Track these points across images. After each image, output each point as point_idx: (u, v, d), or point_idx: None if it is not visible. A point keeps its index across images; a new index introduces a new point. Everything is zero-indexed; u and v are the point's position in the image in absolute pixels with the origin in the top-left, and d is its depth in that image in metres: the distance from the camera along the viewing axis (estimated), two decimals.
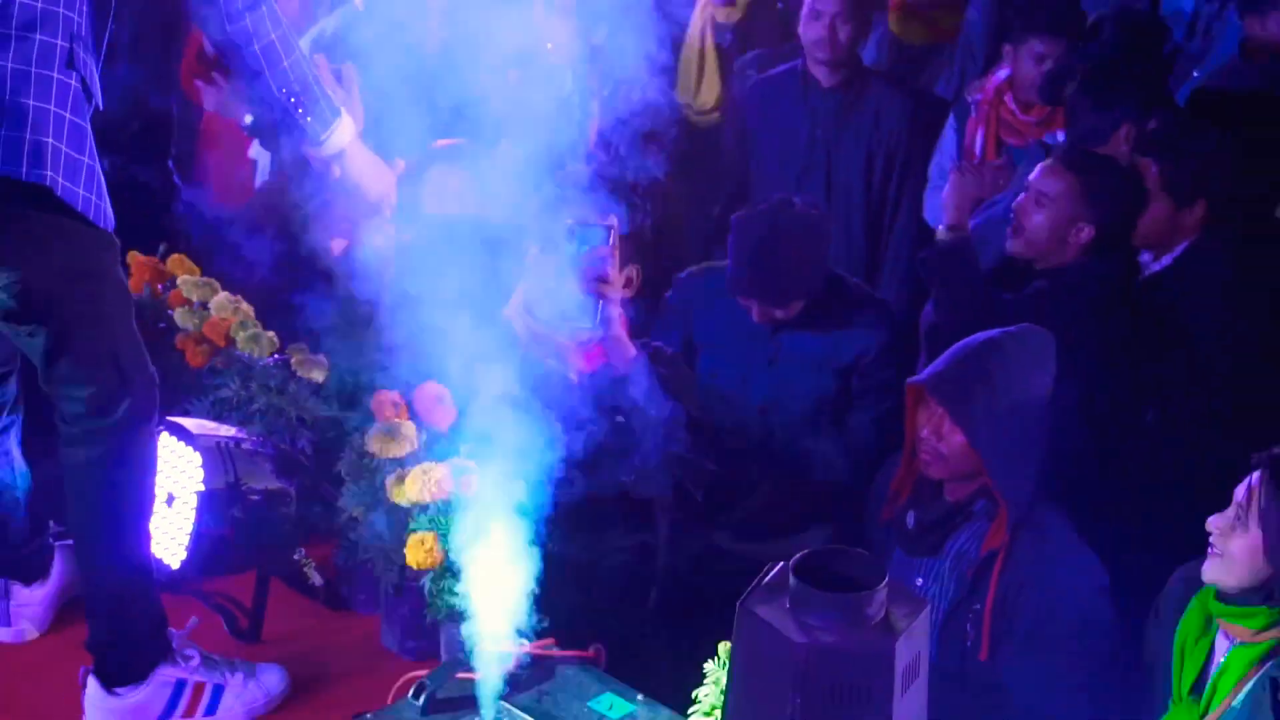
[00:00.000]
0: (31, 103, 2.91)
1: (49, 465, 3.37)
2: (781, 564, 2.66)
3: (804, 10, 5.53)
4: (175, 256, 4.45)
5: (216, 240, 5.16)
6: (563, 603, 3.24)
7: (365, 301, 3.75)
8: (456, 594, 3.34)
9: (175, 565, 3.74)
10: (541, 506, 3.23)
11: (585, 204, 3.77)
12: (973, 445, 3.46)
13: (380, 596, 3.70)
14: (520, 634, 3.19)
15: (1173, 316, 4.58)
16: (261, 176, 5.37)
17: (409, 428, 3.63)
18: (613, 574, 3.78)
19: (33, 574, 3.70)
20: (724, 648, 2.88)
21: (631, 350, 3.96)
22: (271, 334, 4.15)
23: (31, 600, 3.70)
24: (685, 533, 4.17)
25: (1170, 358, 4.54)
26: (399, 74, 3.93)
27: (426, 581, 3.48)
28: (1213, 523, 3.15)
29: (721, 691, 2.85)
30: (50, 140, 2.93)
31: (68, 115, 2.97)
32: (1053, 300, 4.48)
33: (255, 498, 3.71)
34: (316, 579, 3.84)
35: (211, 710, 3.36)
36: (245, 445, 3.77)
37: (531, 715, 3.12)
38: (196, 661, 3.37)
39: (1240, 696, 3.13)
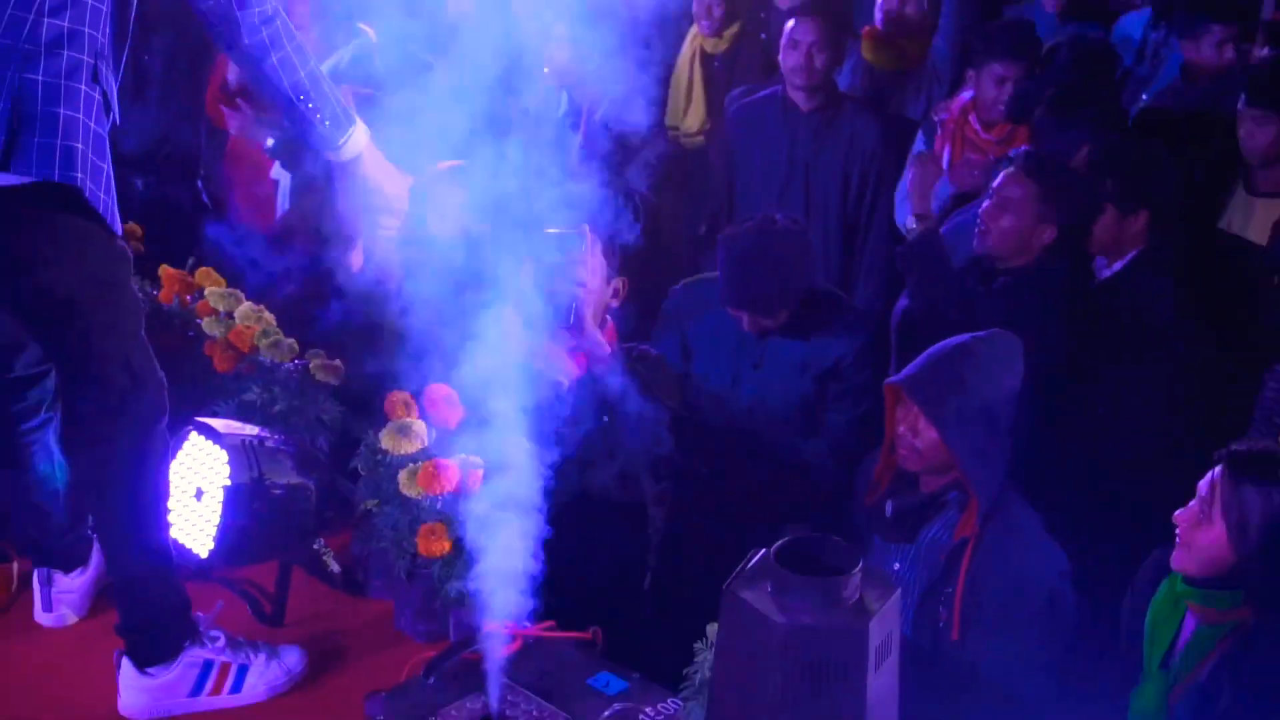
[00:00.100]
0: (62, 111, 2.91)
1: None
2: (764, 551, 2.66)
3: (783, 40, 5.52)
4: (203, 269, 4.44)
5: (242, 254, 5.16)
6: (562, 588, 3.22)
7: (377, 311, 3.73)
8: (464, 580, 3.33)
9: (204, 555, 3.72)
10: (541, 499, 3.22)
11: (577, 218, 3.76)
12: (945, 442, 3.45)
13: (393, 582, 3.68)
14: (523, 618, 3.17)
15: (1122, 318, 4.58)
16: (283, 195, 5.35)
17: (419, 426, 3.63)
18: (609, 562, 3.76)
19: (72, 562, 3.68)
20: (712, 629, 2.87)
21: (606, 348, 3.98)
22: (292, 341, 4.13)
23: (71, 587, 3.69)
24: (676, 523, 4.17)
25: (1119, 356, 4.54)
26: (408, 99, 3.93)
27: (436, 568, 3.47)
28: (1179, 517, 3.15)
29: (709, 669, 2.85)
30: (79, 145, 2.93)
31: (93, 125, 2.98)
32: (1017, 295, 4.49)
33: (278, 492, 3.69)
34: (335, 567, 3.81)
35: (237, 688, 3.36)
36: (268, 443, 3.76)
37: (534, 693, 3.10)
38: (222, 643, 3.36)
39: (1205, 671, 3.14)
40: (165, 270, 4.41)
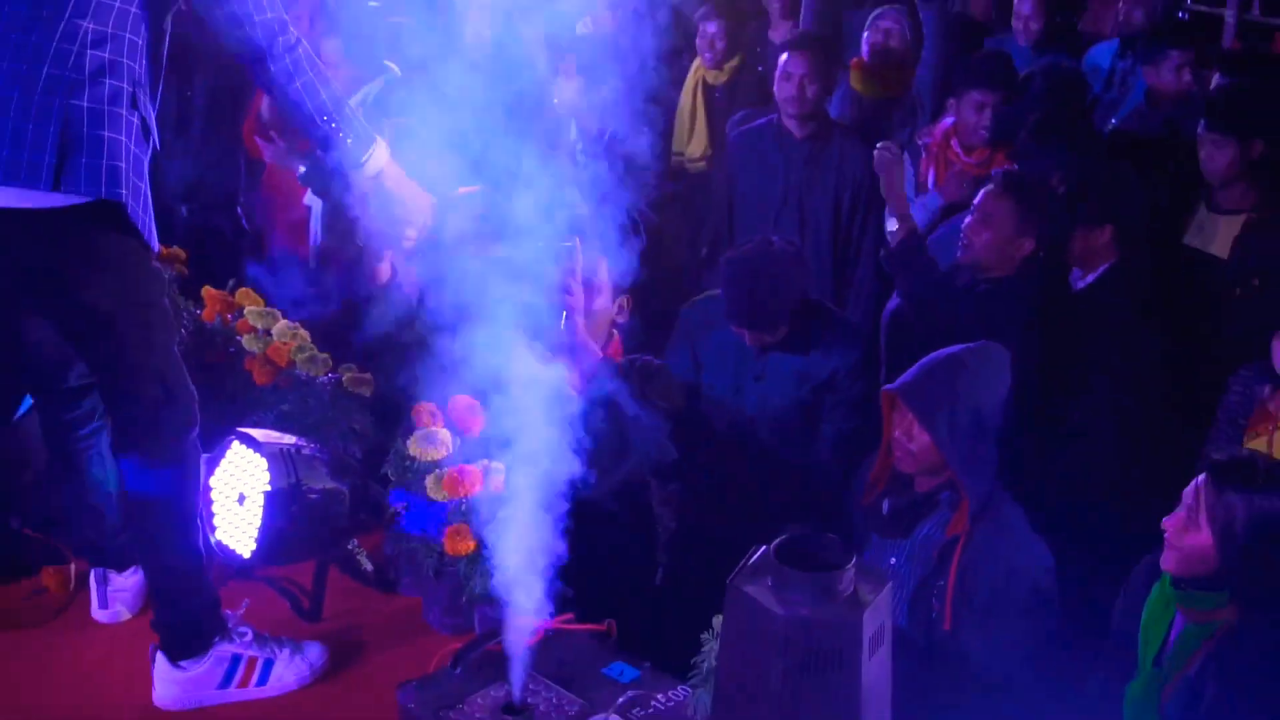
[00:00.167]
0: (106, 134, 2.93)
1: None
2: (764, 548, 2.67)
3: (777, 72, 5.53)
4: (243, 290, 4.45)
5: (279, 275, 5.18)
6: (579, 584, 3.23)
7: (404, 328, 3.75)
8: (487, 577, 3.34)
9: (246, 555, 3.72)
10: (558, 500, 3.23)
11: (586, 239, 3.77)
12: (937, 445, 3.46)
13: (422, 580, 3.69)
14: (543, 612, 3.18)
15: (1095, 326, 4.59)
16: (315, 221, 5.36)
17: (444, 434, 3.64)
18: (622, 559, 3.77)
19: (125, 562, 3.69)
20: (717, 621, 2.88)
21: (597, 354, 4.02)
22: (326, 356, 4.14)
23: (125, 585, 3.70)
24: (684, 522, 4.18)
25: (1092, 362, 4.55)
26: (431, 130, 3.95)
27: (462, 566, 3.48)
28: (1168, 523, 3.16)
29: (715, 658, 2.86)
30: (122, 165, 2.95)
31: (133, 148, 3.00)
32: (997, 303, 4.50)
33: (314, 496, 3.69)
34: (367, 565, 3.83)
35: (263, 681, 3.36)
36: (305, 451, 3.76)
37: (553, 681, 3.11)
38: (249, 638, 3.37)
39: (1193, 670, 3.15)
40: (208, 291, 4.41)
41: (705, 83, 6.89)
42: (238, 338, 4.28)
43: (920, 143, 5.73)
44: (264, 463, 3.68)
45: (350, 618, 3.74)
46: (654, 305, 5.19)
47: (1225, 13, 8.27)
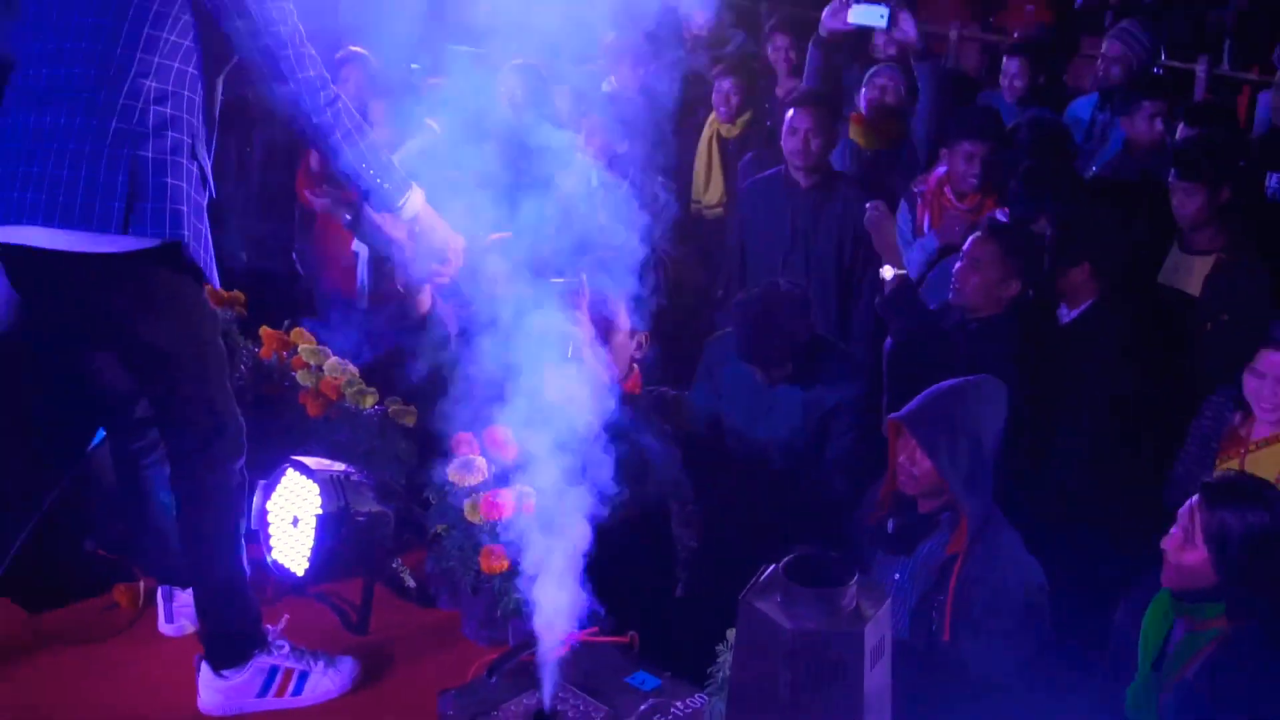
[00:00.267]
0: (169, 181, 2.95)
1: None
2: (774, 566, 2.66)
3: (784, 127, 5.54)
4: (297, 329, 4.46)
5: (330, 315, 5.19)
6: (604, 600, 3.22)
7: (444, 364, 3.75)
8: (519, 593, 3.34)
9: (300, 573, 3.75)
10: (585, 522, 3.23)
11: (609, 282, 3.77)
12: (938, 470, 3.45)
13: (460, 595, 3.69)
14: (571, 625, 3.17)
15: (1079, 357, 4.58)
16: (362, 266, 5.38)
17: (480, 462, 3.63)
18: (644, 576, 3.75)
19: (188, 580, 3.68)
20: (731, 634, 2.87)
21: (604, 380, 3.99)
22: (373, 389, 4.14)
23: (189, 601, 3.66)
24: (701, 541, 4.16)
25: (1078, 389, 4.54)
26: (466, 180, 3.97)
27: (496, 583, 3.48)
28: (1166, 544, 3.17)
29: (729, 668, 2.84)
30: (185, 209, 2.97)
31: (194, 194, 3.02)
32: (987, 341, 4.49)
33: (361, 519, 3.71)
34: (410, 582, 3.83)
35: (298, 691, 3.35)
36: (353, 478, 3.78)
37: (581, 689, 3.10)
38: (286, 651, 3.36)
39: (1189, 674, 3.15)
40: (265, 330, 4.43)
41: (720, 135, 6.90)
42: (292, 373, 4.29)
43: (916, 190, 5.71)
44: (316, 488, 3.71)
45: (394, 630, 3.73)
46: (674, 340, 5.20)
47: (1196, 68, 8.27)
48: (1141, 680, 3.27)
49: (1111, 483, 4.37)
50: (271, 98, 3.12)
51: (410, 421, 4.04)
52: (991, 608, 3.40)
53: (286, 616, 3.48)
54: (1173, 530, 3.17)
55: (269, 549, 3.83)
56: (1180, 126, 5.56)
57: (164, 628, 3.66)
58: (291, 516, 3.76)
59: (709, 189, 6.93)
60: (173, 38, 2.97)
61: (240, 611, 3.31)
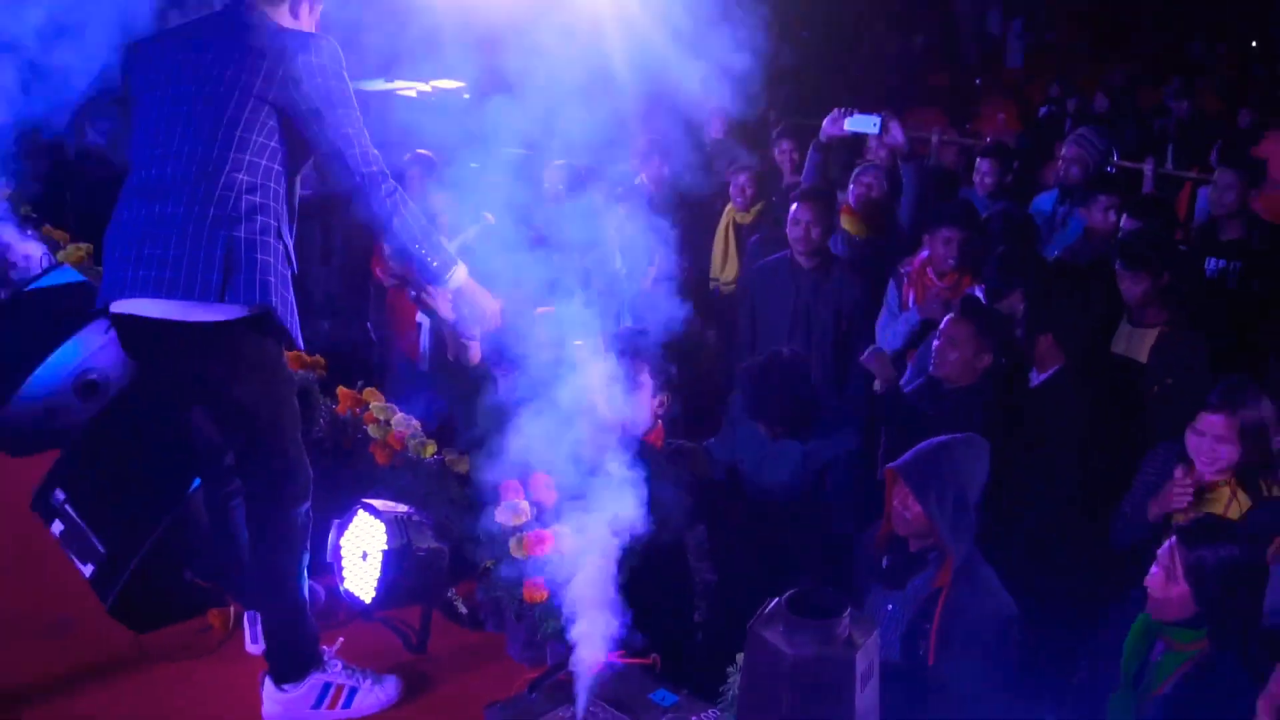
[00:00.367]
0: (259, 257, 3.00)
1: None
2: (778, 600, 2.65)
3: (789, 219, 5.56)
4: (369, 389, 4.46)
5: (398, 377, 5.19)
6: (630, 626, 3.19)
7: (494, 419, 3.74)
8: (557, 620, 3.31)
9: (368, 600, 3.73)
10: (613, 558, 3.21)
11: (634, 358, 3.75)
12: (927, 515, 3.43)
13: (506, 621, 3.66)
14: (602, 648, 3.14)
15: (1046, 415, 4.55)
16: (424, 334, 5.39)
17: (524, 504, 3.61)
18: (665, 605, 3.71)
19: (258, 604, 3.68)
20: (740, 658, 2.84)
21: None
22: (432, 441, 4.14)
23: None
24: (718, 575, 4.12)
25: (1044, 445, 4.50)
26: (515, 264, 3.99)
27: (537, 611, 3.45)
28: (1150, 582, 3.15)
29: (738, 688, 2.81)
30: (273, 280, 3.02)
31: (280, 268, 3.07)
32: (964, 408, 4.45)
33: (421, 554, 3.70)
34: (462, 609, 3.81)
35: (348, 705, 3.33)
36: (415, 518, 3.77)
37: (609, 704, 3.07)
38: (339, 669, 3.35)
39: (1169, 687, 3.12)
40: (341, 390, 4.44)
41: (735, 222, 6.92)
42: (364, 427, 4.29)
43: (903, 270, 5.71)
44: (383, 527, 3.70)
45: (448, 650, 3.71)
46: (695, 399, 5.18)
47: (1145, 167, 8.27)
48: (1123, 693, 3.22)
49: (1075, 525, 4.31)
50: (340, 188, 3.17)
51: (464, 469, 4.02)
52: (971, 635, 3.36)
53: (341, 639, 3.47)
54: (1153, 570, 3.15)
55: (342, 579, 3.82)
56: (1124, 218, 5.55)
57: (250, 647, 3.64)
58: (361, 551, 3.75)
59: (725, 268, 6.95)
60: (260, 139, 3.03)
61: (300, 634, 3.30)
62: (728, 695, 2.93)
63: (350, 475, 4.18)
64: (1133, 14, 17.94)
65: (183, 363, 3.09)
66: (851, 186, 6.20)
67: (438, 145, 5.61)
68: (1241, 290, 5.65)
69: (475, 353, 4.28)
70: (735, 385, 4.70)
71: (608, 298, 3.61)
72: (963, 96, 14.56)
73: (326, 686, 3.31)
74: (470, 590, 3.81)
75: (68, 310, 5.02)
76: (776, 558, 4.28)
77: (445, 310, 3.69)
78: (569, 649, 3.16)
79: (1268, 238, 5.88)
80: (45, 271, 5.76)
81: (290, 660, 3.28)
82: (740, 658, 2.83)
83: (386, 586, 3.68)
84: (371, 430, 4.25)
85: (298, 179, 3.19)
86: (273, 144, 3.05)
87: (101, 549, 3.84)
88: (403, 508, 3.81)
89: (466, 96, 7.11)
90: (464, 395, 4.27)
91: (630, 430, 3.90)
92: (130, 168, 3.12)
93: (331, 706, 3.31)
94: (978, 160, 7.07)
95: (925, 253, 5.62)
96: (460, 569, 3.80)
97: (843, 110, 6.15)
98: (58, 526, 4.03)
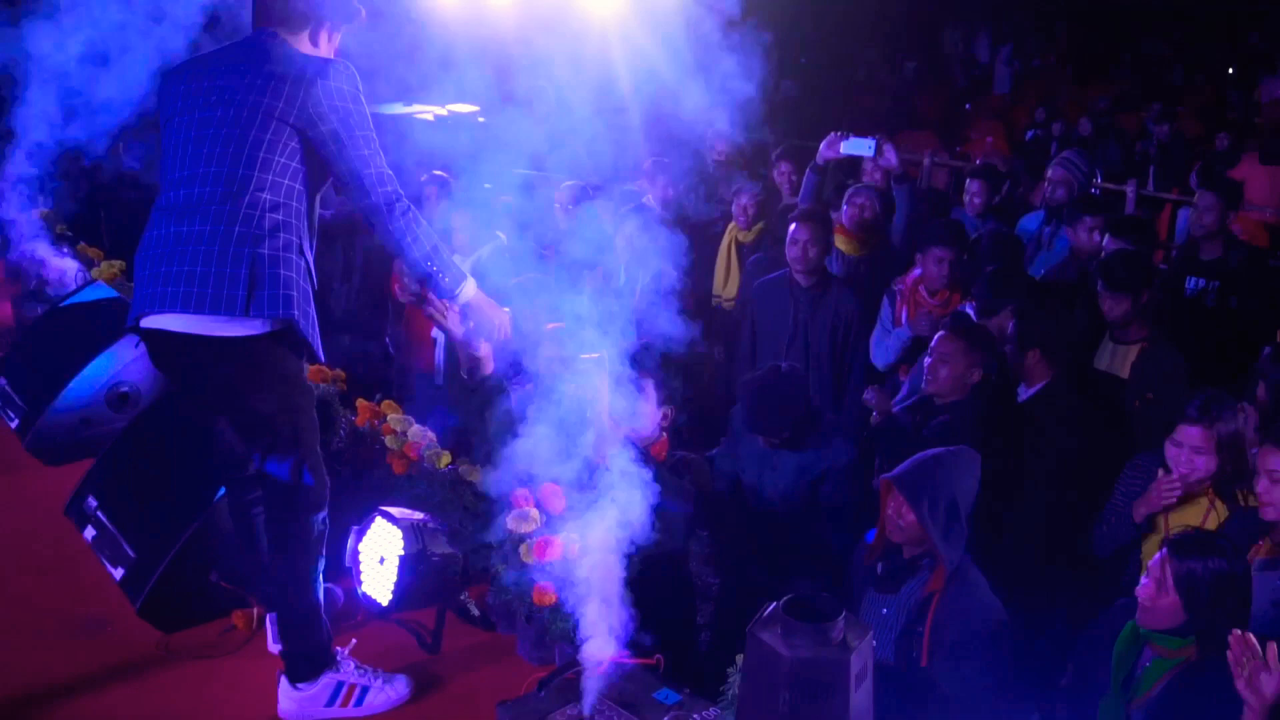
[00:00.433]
0: (282, 273, 3.02)
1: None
2: (775, 603, 2.64)
3: (788, 239, 5.56)
4: (386, 401, 4.47)
5: (412, 390, 5.19)
6: (635, 627, 3.19)
7: (505, 431, 3.73)
8: (565, 622, 3.31)
9: (385, 603, 3.74)
10: (619, 563, 3.20)
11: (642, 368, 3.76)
12: (920, 523, 3.42)
13: (516, 623, 3.65)
14: (608, 648, 3.13)
15: (1034, 428, 4.53)
16: (439, 349, 5.39)
17: (535, 512, 3.61)
18: (668, 608, 3.70)
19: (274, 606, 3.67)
20: (740, 658, 2.83)
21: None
22: (447, 453, 4.14)
23: None
24: (718, 579, 4.13)
25: (1032, 456, 4.49)
26: (526, 279, 3.99)
27: (546, 613, 3.44)
28: (1140, 592, 3.14)
29: (738, 687, 2.81)
30: (295, 294, 3.03)
31: (302, 283, 3.08)
32: (956, 423, 4.44)
33: (435, 559, 3.70)
34: (475, 611, 3.80)
35: (359, 703, 3.33)
36: (430, 525, 3.78)
37: (615, 702, 3.07)
38: (351, 669, 3.35)
39: (1156, 692, 3.11)
40: (360, 402, 4.44)
41: (738, 241, 6.91)
42: (382, 438, 4.29)
43: (896, 288, 5.70)
44: (399, 533, 3.71)
45: (461, 650, 3.70)
46: (697, 411, 5.18)
47: (1127, 189, 8.27)
48: (1113, 698, 3.21)
49: (1062, 533, 4.30)
50: (357, 208, 3.19)
51: (476, 478, 4.02)
52: (962, 638, 3.34)
53: (354, 641, 3.47)
54: (1144, 580, 3.14)
55: (360, 582, 3.83)
56: (1108, 238, 5.54)
57: (271, 646, 3.62)
58: (379, 556, 3.76)
59: (727, 285, 6.93)
60: (282, 160, 3.05)
61: (314, 636, 3.29)
62: (728, 694, 2.92)
63: (368, 484, 4.18)
64: (1115, 42, 18.01)
65: (208, 375, 3.10)
66: (845, 207, 6.19)
67: (453, 166, 5.63)
68: (1220, 308, 5.64)
69: (488, 363, 4.28)
70: (736, 398, 4.70)
71: (613, 313, 3.59)
72: (953, 121, 14.58)
73: (339, 685, 3.30)
74: (482, 593, 3.80)
75: (101, 324, 5.04)
76: (775, 563, 4.27)
77: (455, 329, 3.70)
78: (577, 649, 3.15)
79: (1245, 258, 5.87)
80: (80, 287, 5.79)
81: (305, 660, 3.28)
82: (740, 659, 2.83)
83: (403, 589, 3.69)
84: (389, 441, 4.25)
85: (318, 198, 3.21)
86: (294, 164, 3.07)
87: (131, 553, 3.84)
88: (418, 515, 3.82)
89: (481, 120, 7.12)
90: (477, 408, 4.27)
91: (635, 441, 3.90)
92: (160, 188, 3.14)
93: (344, 704, 3.30)
94: (967, 181, 7.06)
95: (918, 271, 5.61)
96: (472, 573, 3.80)
97: (839, 134, 6.16)
98: (90, 532, 4.04)
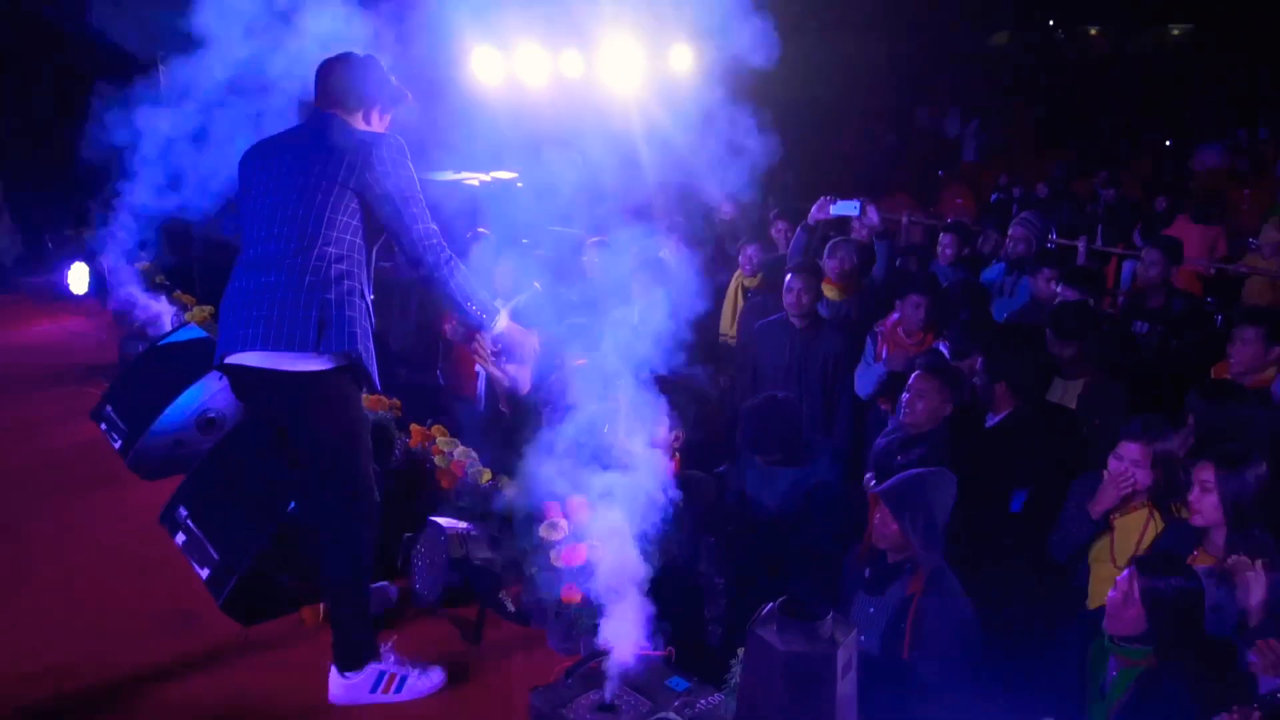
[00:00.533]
0: (347, 314, 3.04)
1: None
2: (772, 604, 2.63)
3: (784, 287, 5.57)
4: (436, 426, 4.48)
5: (459, 416, 5.19)
6: (650, 623, 3.17)
7: (539, 452, 3.73)
8: (590, 618, 3.30)
9: (434, 600, 3.73)
10: (637, 566, 3.19)
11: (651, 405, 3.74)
12: (903, 532, 3.41)
13: (547, 618, 3.64)
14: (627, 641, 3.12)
15: (998, 452, 4.49)
16: (481, 381, 5.39)
17: (563, 522, 3.60)
18: (679, 606, 3.67)
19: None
20: (741, 652, 2.81)
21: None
22: (488, 470, 4.14)
23: None
24: (724, 581, 4.08)
25: (998, 475, 4.45)
26: (561, 327, 3.99)
27: (573, 610, 3.43)
28: (1110, 600, 3.13)
29: (739, 677, 2.79)
30: (358, 332, 3.05)
31: (364, 323, 3.10)
32: (931, 452, 4.40)
33: (478, 562, 3.70)
34: (511, 607, 3.78)
35: (399, 690, 3.31)
36: (473, 533, 3.78)
37: (632, 689, 3.04)
38: (392, 660, 3.34)
39: (1126, 698, 3.10)
40: (413, 426, 4.46)
41: (743, 286, 6.92)
42: (432, 458, 4.30)
43: (878, 329, 5.69)
44: (447, 540, 3.69)
45: (499, 642, 3.69)
46: (705, 434, 5.15)
47: (1079, 244, 8.26)
48: (1095, 703, 3.20)
49: (1025, 540, 4.25)
50: (407, 257, 3.22)
51: (513, 493, 4.01)
52: (940, 633, 3.33)
53: (395, 636, 3.46)
54: (1111, 593, 3.14)
55: (414, 582, 3.82)
56: (1062, 287, 5.52)
57: None
58: (429, 559, 3.75)
59: (733, 325, 6.93)
60: (344, 218, 3.10)
61: (360, 631, 3.29)
62: (731, 683, 2.90)
63: (420, 497, 4.18)
64: (1069, 118, 18.09)
65: (279, 404, 3.12)
66: (828, 260, 6.18)
67: (494, 224, 5.67)
68: (1162, 348, 5.61)
69: (525, 382, 4.30)
70: (738, 422, 4.69)
71: (632, 349, 3.59)
72: (927, 185, 14.59)
73: (381, 674, 3.29)
74: (517, 592, 3.80)
75: (193, 360, 5.09)
76: (774, 567, 4.24)
77: (492, 369, 3.70)
78: (599, 642, 3.13)
79: (1184, 305, 5.86)
80: (175, 329, 5.85)
81: (352, 652, 3.28)
82: (741, 652, 2.81)
83: (449, 588, 3.69)
84: (438, 460, 4.27)
85: (375, 249, 3.24)
86: (355, 222, 3.11)
87: (216, 556, 3.85)
88: (463, 524, 3.82)
89: (519, 185, 7.18)
90: (514, 431, 4.27)
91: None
92: (241, 246, 3.18)
93: (385, 691, 3.30)
94: (940, 236, 7.05)
95: (896, 315, 5.61)
96: (509, 575, 3.79)
97: (828, 198, 6.18)
98: (180, 537, 4.06)
